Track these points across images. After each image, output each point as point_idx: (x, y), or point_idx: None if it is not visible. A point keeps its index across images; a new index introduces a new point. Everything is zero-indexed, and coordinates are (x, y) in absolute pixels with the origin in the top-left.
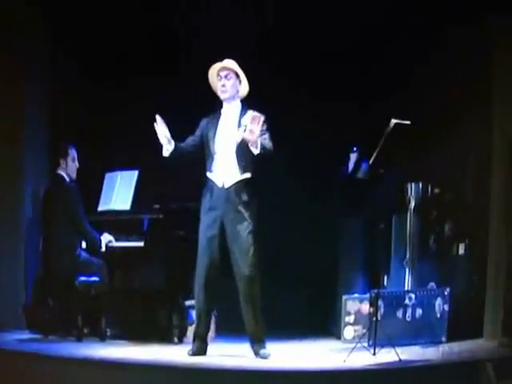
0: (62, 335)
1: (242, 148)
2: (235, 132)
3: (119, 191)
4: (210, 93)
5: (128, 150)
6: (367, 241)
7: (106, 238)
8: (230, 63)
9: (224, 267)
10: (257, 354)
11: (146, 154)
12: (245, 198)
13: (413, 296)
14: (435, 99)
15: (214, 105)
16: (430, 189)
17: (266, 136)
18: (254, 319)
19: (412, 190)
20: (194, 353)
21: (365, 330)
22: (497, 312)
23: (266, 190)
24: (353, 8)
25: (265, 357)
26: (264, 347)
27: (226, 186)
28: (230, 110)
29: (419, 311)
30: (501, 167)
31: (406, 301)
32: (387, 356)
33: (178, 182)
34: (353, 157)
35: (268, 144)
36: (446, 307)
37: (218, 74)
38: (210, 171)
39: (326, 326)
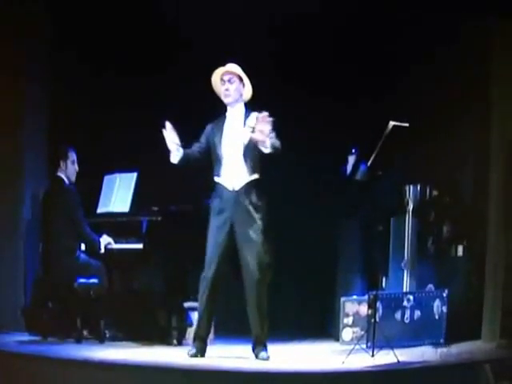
0: (61, 337)
1: (249, 150)
2: (241, 134)
3: (118, 193)
4: (212, 94)
5: (127, 152)
6: (366, 242)
7: (105, 240)
8: (233, 67)
9: (232, 270)
10: (257, 356)
11: (145, 156)
12: (254, 199)
13: (411, 298)
14: (434, 100)
15: (215, 106)
16: (428, 191)
17: (273, 135)
18: (260, 322)
19: (410, 191)
20: (194, 354)
21: (363, 332)
22: (495, 314)
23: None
24: (352, 8)
25: (264, 359)
26: (265, 350)
27: (236, 189)
28: (235, 113)
29: (417, 313)
30: (499, 169)
31: (405, 302)
32: (386, 358)
33: (176, 184)
34: (351, 158)
35: (276, 142)
36: (445, 309)
37: (222, 79)
38: (219, 176)
39: (324, 327)
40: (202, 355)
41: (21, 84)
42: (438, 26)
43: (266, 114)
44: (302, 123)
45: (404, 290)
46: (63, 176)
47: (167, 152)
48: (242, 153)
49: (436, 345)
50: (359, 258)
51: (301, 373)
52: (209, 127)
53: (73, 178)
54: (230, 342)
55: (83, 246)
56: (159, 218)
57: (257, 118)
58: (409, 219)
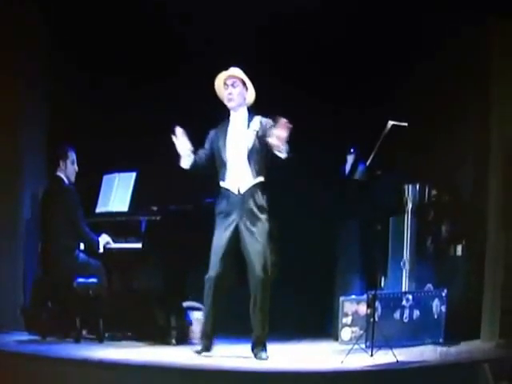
0: (60, 336)
1: (253, 153)
2: (245, 138)
3: (117, 193)
4: (211, 95)
5: (126, 152)
6: (365, 242)
7: (104, 240)
8: (236, 71)
9: (236, 272)
10: (256, 356)
11: (145, 155)
12: (259, 200)
13: (410, 297)
14: (434, 100)
15: (216, 108)
16: (427, 190)
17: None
18: (262, 323)
19: (409, 191)
20: (201, 350)
21: (362, 332)
22: (494, 313)
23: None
24: (352, 8)
25: (264, 359)
26: (265, 350)
27: (242, 192)
28: (238, 117)
29: (416, 312)
30: (499, 168)
31: (404, 302)
32: (384, 357)
33: (176, 184)
34: (350, 158)
35: (287, 147)
36: (444, 308)
37: (225, 83)
38: (224, 180)
39: (323, 327)
40: (209, 351)
41: (20, 84)
42: (438, 25)
43: (284, 120)
44: (301, 123)
45: (403, 289)
46: (63, 176)
47: (167, 152)
48: (246, 156)
49: (435, 344)
50: (358, 258)
51: (300, 372)
52: (212, 132)
53: (72, 178)
54: (230, 342)
55: (82, 246)
56: (158, 218)
57: (276, 124)
58: (408, 219)
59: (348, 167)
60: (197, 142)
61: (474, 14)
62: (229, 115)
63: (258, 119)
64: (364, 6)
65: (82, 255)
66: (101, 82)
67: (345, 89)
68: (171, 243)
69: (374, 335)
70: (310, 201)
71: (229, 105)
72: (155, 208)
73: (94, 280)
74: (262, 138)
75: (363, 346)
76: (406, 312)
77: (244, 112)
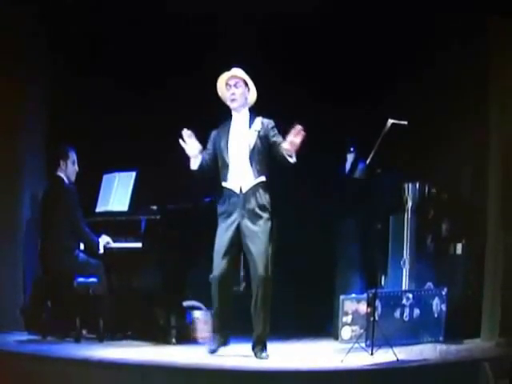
0: (60, 336)
1: (255, 153)
2: (247, 138)
3: (117, 192)
4: (213, 95)
5: (126, 151)
6: (365, 241)
7: (103, 240)
8: (238, 72)
9: (237, 271)
10: (256, 355)
11: (144, 154)
12: (260, 200)
13: (410, 296)
14: (433, 99)
15: (216, 109)
16: (427, 189)
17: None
18: (263, 322)
19: (409, 189)
20: (213, 350)
21: (362, 330)
22: (494, 312)
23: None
24: (352, 8)
25: (264, 358)
26: (265, 349)
27: (244, 192)
28: (240, 118)
29: (417, 311)
30: (498, 167)
31: (404, 301)
32: (385, 356)
33: (175, 183)
34: (350, 157)
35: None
36: (444, 307)
37: (227, 83)
38: (225, 180)
39: (323, 326)
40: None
41: (21, 84)
42: (438, 25)
43: (300, 127)
44: (301, 122)
45: (403, 288)
46: (63, 175)
47: (166, 151)
48: (248, 157)
49: (435, 343)
50: (358, 256)
51: (300, 371)
52: (214, 133)
53: (73, 178)
54: (230, 341)
55: (82, 246)
56: (158, 217)
57: (293, 131)
58: (408, 217)
59: (348, 166)
60: (198, 142)
61: (474, 14)
62: (230, 116)
63: (259, 120)
64: (364, 5)
65: (81, 255)
66: (101, 82)
67: (345, 88)
68: (171, 242)
69: (374, 334)
70: (310, 200)
71: (231, 105)
72: (155, 207)
73: (93, 280)
74: (263, 138)
75: (363, 344)
76: (407, 311)
77: (246, 113)
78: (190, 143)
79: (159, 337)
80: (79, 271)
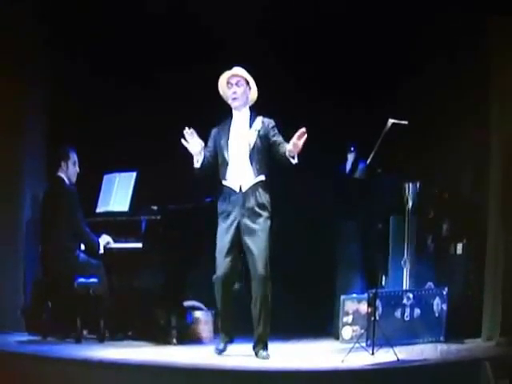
0: (60, 337)
1: (255, 152)
2: (248, 137)
3: (117, 193)
4: (214, 94)
5: (126, 152)
6: (365, 240)
7: (104, 240)
8: (239, 70)
9: (240, 270)
10: (257, 354)
11: (144, 155)
12: (260, 198)
13: (411, 296)
14: (434, 99)
15: (216, 107)
16: (427, 189)
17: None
18: (263, 322)
19: (410, 189)
20: (220, 350)
21: (363, 330)
22: (495, 311)
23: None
24: (353, 8)
25: (265, 358)
26: (266, 349)
27: (243, 190)
28: (241, 116)
29: (417, 311)
30: (498, 167)
31: (404, 300)
32: (385, 356)
33: (176, 183)
34: (350, 156)
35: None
36: (444, 307)
37: (228, 82)
38: (225, 179)
39: (324, 326)
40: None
41: (21, 84)
42: (438, 25)
43: (304, 130)
44: (301, 121)
45: (404, 288)
46: (64, 176)
47: (166, 151)
48: (248, 155)
49: (436, 342)
50: (359, 256)
51: (301, 371)
52: (214, 131)
53: (73, 179)
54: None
55: (82, 246)
56: (159, 217)
57: (298, 133)
58: (408, 217)
59: (348, 166)
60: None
61: (474, 14)
62: (231, 114)
63: (260, 119)
64: (364, 5)
65: (82, 255)
66: (101, 82)
67: (346, 88)
68: (171, 243)
69: (374, 334)
70: (310, 199)
71: (233, 104)
72: (155, 208)
73: (94, 280)
74: (263, 137)
75: (364, 344)
76: (407, 310)
77: (246, 111)
78: (192, 141)
79: (160, 337)
80: (80, 272)
